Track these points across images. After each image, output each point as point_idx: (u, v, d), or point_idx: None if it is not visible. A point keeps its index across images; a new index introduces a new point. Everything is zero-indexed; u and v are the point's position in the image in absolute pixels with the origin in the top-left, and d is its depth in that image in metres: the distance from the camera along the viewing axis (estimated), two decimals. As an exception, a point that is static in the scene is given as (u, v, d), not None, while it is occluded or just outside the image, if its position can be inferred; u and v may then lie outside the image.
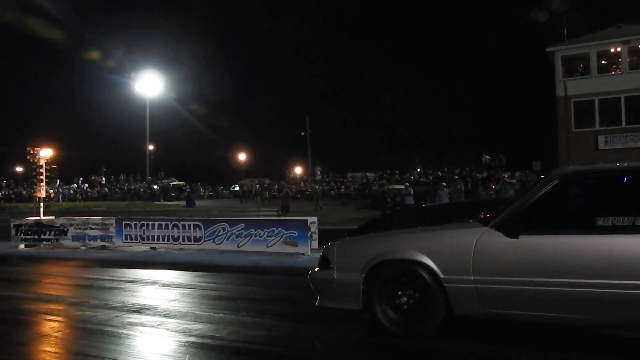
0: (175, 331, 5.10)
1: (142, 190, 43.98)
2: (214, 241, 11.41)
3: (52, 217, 14.81)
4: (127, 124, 60.92)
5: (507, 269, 4.07)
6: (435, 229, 4.60)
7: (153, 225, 12.30)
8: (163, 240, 12.05)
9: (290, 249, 10.47)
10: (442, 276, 4.26)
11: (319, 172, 46.72)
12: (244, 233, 11.08)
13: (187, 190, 41.11)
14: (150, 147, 50.81)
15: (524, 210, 4.15)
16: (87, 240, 13.20)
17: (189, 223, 11.90)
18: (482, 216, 4.47)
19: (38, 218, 14.53)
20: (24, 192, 43.48)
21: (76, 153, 48.33)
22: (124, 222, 12.82)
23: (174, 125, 61.53)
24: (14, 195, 45.91)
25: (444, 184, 21.67)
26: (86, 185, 48.92)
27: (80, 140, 62.00)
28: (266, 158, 60.83)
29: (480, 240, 4.18)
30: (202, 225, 11.64)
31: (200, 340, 4.75)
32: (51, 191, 33.62)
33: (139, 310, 6.08)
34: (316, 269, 4.98)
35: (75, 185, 48.26)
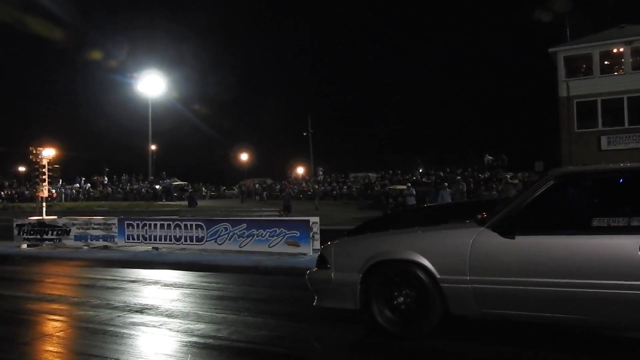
0: (178, 331, 5.10)
1: (144, 190, 44.04)
2: (216, 241, 11.42)
3: (55, 217, 14.85)
4: (129, 124, 61.14)
5: (503, 269, 4.10)
6: (432, 229, 4.63)
7: (155, 225, 12.32)
8: (165, 240, 12.07)
9: (292, 249, 10.48)
10: (438, 276, 4.29)
11: (321, 173, 46.73)
12: (246, 233, 11.09)
13: (189, 190, 41.16)
14: (153, 147, 50.86)
15: (520, 211, 4.17)
16: (89, 240, 13.23)
17: (191, 223, 11.92)
18: (480, 217, 4.48)
19: (40, 218, 14.57)
20: (26, 192, 43.63)
21: (79, 153, 48.48)
22: (126, 222, 12.85)
23: (177, 125, 61.59)
24: (16, 195, 46.01)
25: (446, 184, 21.68)
26: (88, 185, 49.03)
27: (83, 140, 62.18)
28: (268, 158, 60.88)
29: (477, 241, 4.20)
30: (204, 226, 11.66)
31: (202, 340, 4.75)
32: (53, 191, 33.66)
33: (141, 310, 6.09)
34: (314, 269, 5.00)
35: (78, 185, 48.34)
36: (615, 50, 26.03)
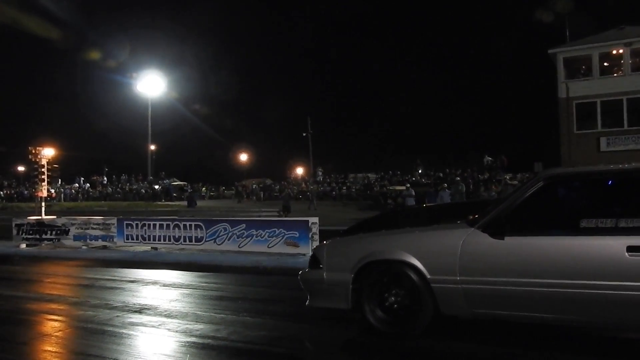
0: (176, 331, 5.10)
1: (143, 190, 44.02)
2: (215, 241, 11.42)
3: (54, 217, 14.84)
4: (129, 124, 61.02)
5: (492, 269, 4.13)
6: (423, 230, 4.67)
7: (154, 225, 12.31)
8: (164, 240, 12.06)
9: (291, 250, 10.48)
10: (429, 276, 4.32)
11: (320, 173, 46.73)
12: (245, 233, 11.09)
13: (189, 190, 41.15)
14: (152, 147, 50.83)
15: (510, 212, 4.20)
16: (88, 240, 13.22)
17: (190, 223, 11.91)
18: (471, 217, 4.51)
19: (40, 217, 14.56)
20: (25, 192, 43.59)
21: (78, 153, 48.39)
22: (125, 222, 12.84)
23: (176, 125, 61.56)
24: (15, 195, 45.98)
25: (446, 185, 21.71)
26: (88, 185, 48.97)
27: (83, 140, 62.06)
28: (268, 158, 60.85)
29: (467, 241, 4.23)
30: (203, 226, 11.65)
31: (201, 341, 4.75)
32: (53, 191, 33.70)
33: (140, 310, 6.09)
34: (306, 269, 5.05)
35: (77, 185, 48.29)
36: (614, 52, 26.05)
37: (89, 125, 77.46)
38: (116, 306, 6.31)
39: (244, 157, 59.36)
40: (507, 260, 4.09)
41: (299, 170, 51.91)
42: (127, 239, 12.67)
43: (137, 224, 12.59)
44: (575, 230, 3.95)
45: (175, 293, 7.32)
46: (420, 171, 39.66)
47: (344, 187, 38.42)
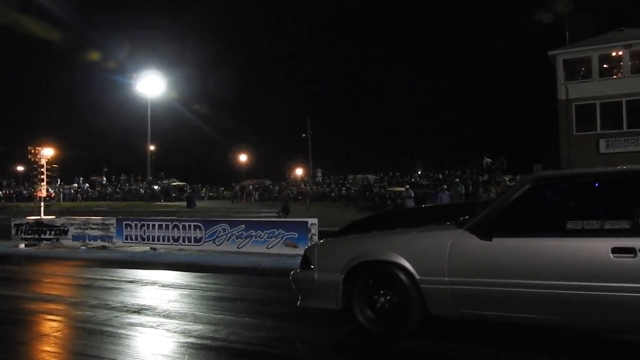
0: (175, 332, 5.09)
1: (142, 190, 43.99)
2: (214, 242, 11.41)
3: (53, 217, 14.83)
4: (128, 124, 60.95)
5: (480, 270, 4.17)
6: (413, 231, 4.72)
7: (153, 225, 12.31)
8: (163, 240, 12.06)
9: (290, 251, 10.47)
10: (418, 277, 4.36)
11: (319, 174, 46.72)
12: (244, 234, 11.09)
13: (188, 190, 41.13)
14: (152, 148, 50.82)
15: (498, 214, 4.25)
16: (87, 240, 13.22)
17: (190, 224, 11.91)
18: (461, 219, 4.54)
19: (38, 217, 14.55)
20: (24, 192, 43.54)
21: (77, 153, 48.44)
22: (124, 222, 12.84)
23: (176, 125, 61.56)
24: (14, 195, 45.92)
25: (445, 186, 21.71)
26: (87, 185, 48.91)
27: (82, 140, 62.08)
28: (267, 159, 60.88)
29: (455, 243, 4.28)
30: (202, 226, 11.65)
31: (199, 341, 4.74)
32: (52, 191, 33.67)
33: (139, 310, 6.08)
34: (298, 270, 5.09)
35: (76, 185, 48.24)
36: (614, 54, 26.10)
37: (89, 125, 77.50)
38: (115, 306, 6.30)
39: (243, 157, 59.39)
40: (494, 261, 4.13)
41: (299, 171, 51.91)
42: (126, 239, 12.67)
43: (136, 224, 12.58)
44: (562, 231, 4.00)
45: (174, 293, 7.31)
46: (419, 172, 39.62)
47: (344, 188, 38.42)
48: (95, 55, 55.00)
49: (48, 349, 4.67)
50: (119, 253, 12.23)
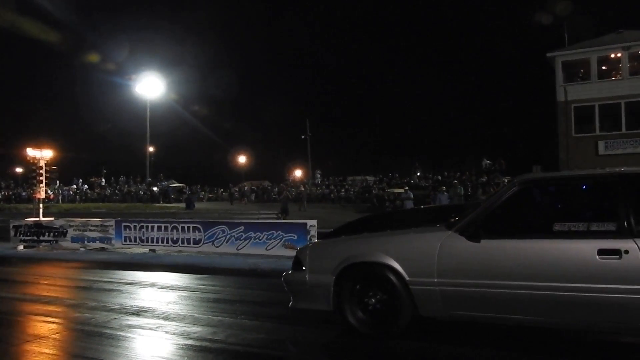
0: (174, 334, 5.09)
1: (142, 192, 43.96)
2: (213, 244, 11.41)
3: (52, 219, 14.82)
4: (127, 125, 60.85)
5: (468, 271, 4.20)
6: (403, 233, 4.75)
7: (152, 227, 12.30)
8: (162, 242, 12.06)
9: (289, 252, 10.44)
10: (407, 278, 4.39)
11: (318, 176, 46.73)
12: (243, 236, 11.09)
13: (187, 192, 41.11)
14: (151, 149, 50.78)
15: (487, 216, 4.29)
16: (86, 242, 13.21)
17: (189, 225, 11.90)
18: (451, 220, 4.58)
19: (37, 219, 14.55)
20: (23, 193, 43.48)
21: (76, 154, 48.36)
22: (123, 224, 12.83)
23: (175, 127, 61.46)
24: (13, 196, 45.86)
25: (444, 187, 21.73)
26: (86, 186, 48.84)
27: (81, 142, 61.97)
28: (267, 161, 60.83)
29: (444, 244, 4.31)
30: (201, 228, 11.64)
31: (198, 343, 4.74)
32: (51, 192, 33.64)
33: (138, 312, 6.07)
34: (290, 271, 5.12)
35: (75, 186, 48.19)
36: (612, 56, 26.16)
37: (88, 127, 77.43)
38: (113, 308, 6.29)
39: (242, 159, 59.39)
40: (482, 262, 4.17)
41: (298, 173, 51.93)
42: (125, 240, 12.66)
43: (135, 226, 12.58)
44: (549, 233, 4.04)
45: (172, 295, 7.30)
46: (418, 174, 39.59)
47: (343, 190, 38.41)
48: (94, 57, 54.97)
49: (47, 351, 4.66)
50: (117, 255, 12.22)
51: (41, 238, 13.81)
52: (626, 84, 25.16)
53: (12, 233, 14.18)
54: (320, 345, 4.72)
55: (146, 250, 12.38)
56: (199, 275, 9.13)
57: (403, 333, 4.49)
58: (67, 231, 13.50)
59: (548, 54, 27.07)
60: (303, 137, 52.69)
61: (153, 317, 5.82)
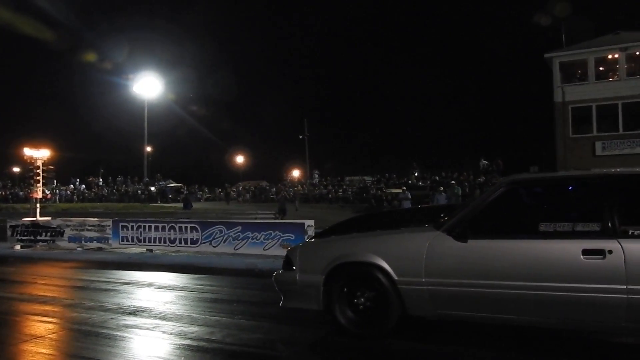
0: (171, 334, 5.09)
1: (139, 191, 43.88)
2: (210, 243, 11.39)
3: (49, 218, 14.77)
4: (125, 125, 60.74)
5: (456, 271, 4.24)
6: (392, 233, 4.77)
7: (150, 227, 12.28)
8: (159, 242, 12.03)
9: (287, 252, 10.46)
10: (396, 278, 4.42)
11: (316, 176, 46.72)
12: (241, 236, 11.07)
13: (185, 192, 41.06)
14: (148, 149, 50.75)
15: (474, 216, 4.33)
16: (83, 242, 13.18)
17: (186, 225, 11.89)
18: (440, 220, 4.61)
19: (34, 219, 14.50)
20: (20, 193, 43.34)
21: (74, 154, 48.25)
22: (120, 224, 12.81)
23: (173, 126, 61.35)
24: (10, 196, 45.72)
25: (442, 188, 21.75)
26: (83, 186, 48.74)
27: (78, 141, 61.83)
28: (264, 161, 60.74)
29: (432, 244, 4.35)
30: (199, 228, 11.63)
31: (195, 343, 4.74)
32: (48, 192, 33.58)
33: (135, 312, 6.06)
34: (280, 271, 5.14)
35: (73, 186, 48.09)
36: (610, 57, 26.22)
37: (85, 127, 77.27)
38: (111, 308, 6.29)
39: (240, 159, 59.36)
40: (469, 262, 4.20)
41: (295, 173, 51.92)
42: (123, 240, 12.64)
43: (132, 226, 12.55)
44: (535, 233, 4.08)
45: (170, 295, 7.30)
46: (416, 174, 39.60)
47: (340, 190, 38.41)
48: (91, 56, 54.85)
49: (43, 350, 4.65)
50: (115, 254, 12.20)
51: (38, 238, 13.78)
52: (623, 85, 25.23)
53: (9, 233, 14.14)
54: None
55: (144, 250, 12.36)
56: (196, 275, 9.12)
57: (393, 332, 4.51)
58: (64, 231, 13.47)
59: (546, 55, 27.13)
60: (301, 137, 52.71)
61: (150, 317, 5.82)
